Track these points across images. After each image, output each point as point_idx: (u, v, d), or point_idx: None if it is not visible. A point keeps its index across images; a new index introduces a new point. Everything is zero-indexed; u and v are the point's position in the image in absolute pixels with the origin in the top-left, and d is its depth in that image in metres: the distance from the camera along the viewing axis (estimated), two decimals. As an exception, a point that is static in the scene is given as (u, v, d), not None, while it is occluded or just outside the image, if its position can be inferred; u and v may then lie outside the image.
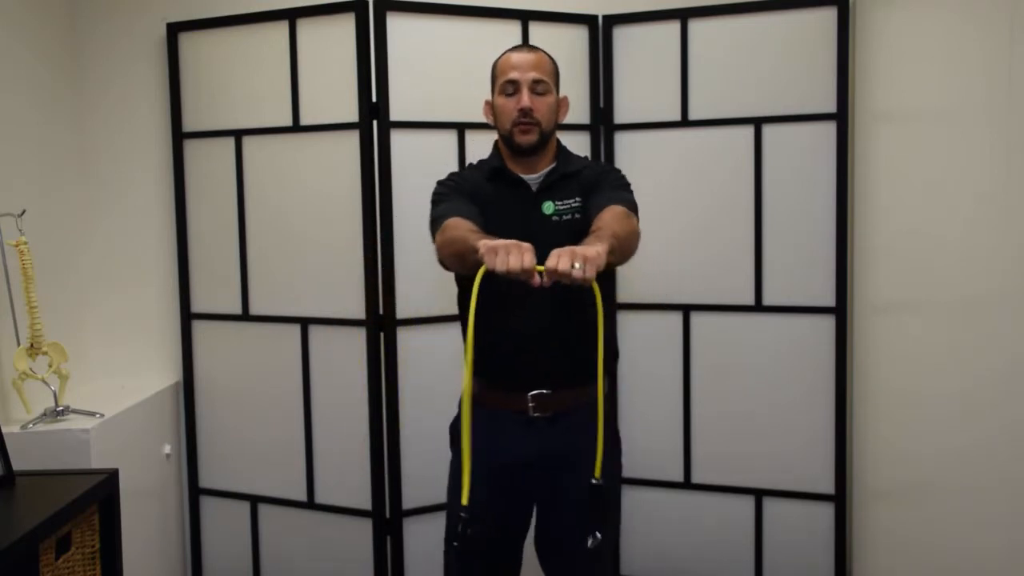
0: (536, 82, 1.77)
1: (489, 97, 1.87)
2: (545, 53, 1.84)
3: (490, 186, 1.82)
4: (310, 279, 2.60)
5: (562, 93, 1.85)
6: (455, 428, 1.89)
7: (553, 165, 1.83)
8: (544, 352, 1.77)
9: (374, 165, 2.47)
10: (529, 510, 1.84)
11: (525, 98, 1.75)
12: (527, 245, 1.42)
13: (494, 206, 1.79)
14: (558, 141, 1.87)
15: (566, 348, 1.78)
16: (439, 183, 1.86)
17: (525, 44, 1.83)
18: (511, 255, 1.40)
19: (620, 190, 1.80)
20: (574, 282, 1.39)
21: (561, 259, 1.39)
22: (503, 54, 1.83)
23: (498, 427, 1.79)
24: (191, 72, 2.69)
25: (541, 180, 1.81)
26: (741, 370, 2.59)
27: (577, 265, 1.37)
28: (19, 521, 1.64)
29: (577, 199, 1.79)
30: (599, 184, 1.80)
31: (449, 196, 1.80)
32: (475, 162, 1.95)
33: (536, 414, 1.77)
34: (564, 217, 1.78)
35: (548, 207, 1.78)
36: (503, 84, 1.79)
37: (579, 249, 1.41)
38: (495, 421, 1.79)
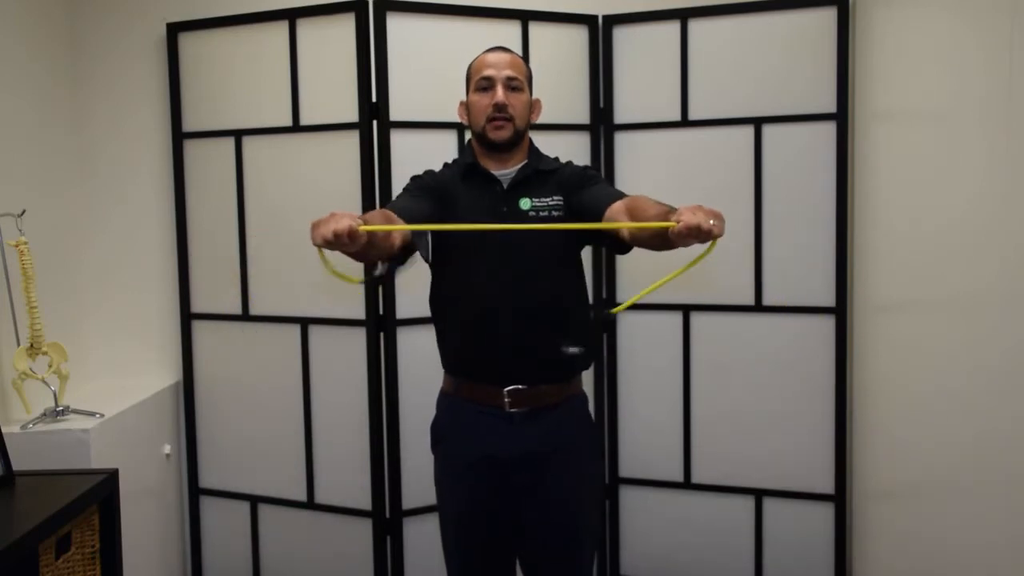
0: (510, 79, 1.79)
1: (464, 99, 1.88)
2: (520, 57, 1.87)
3: (462, 184, 1.83)
4: (310, 279, 2.60)
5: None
6: (435, 428, 1.89)
7: (526, 161, 1.84)
8: (518, 346, 1.76)
9: (374, 165, 2.47)
10: (516, 508, 1.80)
11: (500, 94, 1.77)
12: (344, 213, 1.36)
13: (464, 204, 1.80)
14: (531, 141, 1.88)
15: (541, 342, 1.76)
16: (411, 178, 1.87)
17: (499, 47, 1.86)
18: (326, 225, 1.33)
19: (612, 187, 1.81)
20: (707, 239, 1.34)
21: (697, 214, 1.34)
22: (477, 56, 1.85)
23: (479, 421, 1.79)
24: (191, 72, 2.69)
25: (514, 175, 1.81)
26: (741, 370, 2.59)
27: (712, 221, 1.33)
28: (19, 521, 1.64)
29: (555, 197, 1.80)
30: (582, 183, 1.80)
31: (406, 193, 1.81)
32: (450, 161, 1.96)
33: (513, 410, 1.76)
34: (542, 214, 1.78)
35: (525, 203, 1.79)
36: (478, 81, 1.81)
37: (707, 208, 1.36)
38: (476, 415, 1.79)
